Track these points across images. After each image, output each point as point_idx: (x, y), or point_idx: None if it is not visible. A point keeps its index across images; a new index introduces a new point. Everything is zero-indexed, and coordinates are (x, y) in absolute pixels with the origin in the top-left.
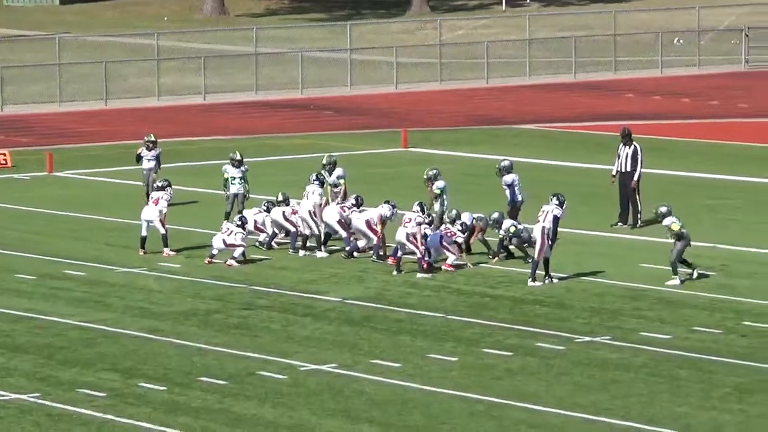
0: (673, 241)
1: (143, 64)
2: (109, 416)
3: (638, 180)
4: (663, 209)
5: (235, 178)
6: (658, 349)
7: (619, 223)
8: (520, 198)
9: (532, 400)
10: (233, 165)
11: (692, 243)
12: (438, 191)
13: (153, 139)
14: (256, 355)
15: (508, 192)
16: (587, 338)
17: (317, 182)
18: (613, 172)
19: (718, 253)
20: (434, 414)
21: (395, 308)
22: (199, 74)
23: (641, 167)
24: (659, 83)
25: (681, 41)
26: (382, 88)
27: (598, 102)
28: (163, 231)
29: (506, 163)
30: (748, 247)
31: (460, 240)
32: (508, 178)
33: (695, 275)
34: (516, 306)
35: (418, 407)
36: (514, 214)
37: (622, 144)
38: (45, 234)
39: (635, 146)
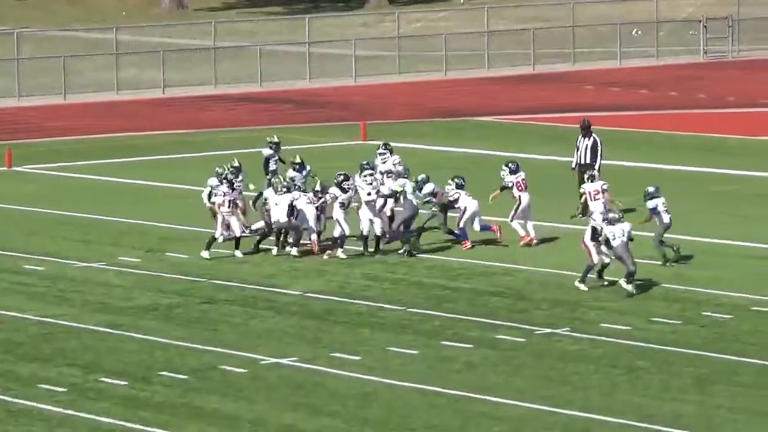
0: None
1: (102, 59)
2: (70, 411)
3: (598, 171)
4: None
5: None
6: (617, 341)
7: (579, 215)
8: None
9: (492, 392)
10: (294, 169)
11: (650, 233)
12: (400, 188)
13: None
14: (218, 350)
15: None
16: (547, 330)
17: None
18: (573, 165)
19: (677, 244)
20: (395, 407)
21: (356, 301)
22: (158, 68)
23: (601, 159)
24: (618, 74)
25: (639, 32)
26: (341, 81)
27: (557, 94)
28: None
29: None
30: (706, 238)
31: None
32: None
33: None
34: (476, 298)
35: (379, 400)
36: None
37: (581, 136)
38: (3, 229)
39: (595, 138)
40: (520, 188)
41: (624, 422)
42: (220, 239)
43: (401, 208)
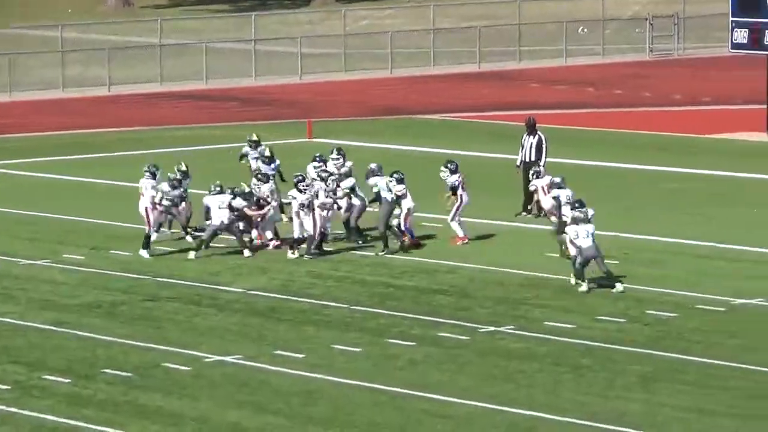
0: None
1: (48, 56)
2: (13, 409)
3: (543, 168)
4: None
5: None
6: (562, 339)
7: (523, 213)
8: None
9: (436, 390)
10: (263, 162)
11: (596, 231)
12: (346, 190)
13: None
14: (161, 347)
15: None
16: (491, 328)
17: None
18: (518, 162)
19: (620, 242)
20: (339, 404)
21: (299, 299)
22: (104, 66)
23: (546, 157)
24: (564, 72)
25: (585, 30)
26: (286, 78)
27: (502, 92)
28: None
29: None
30: (651, 236)
31: None
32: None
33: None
34: (420, 296)
35: (323, 398)
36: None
37: (526, 134)
38: None
39: (540, 136)
40: (462, 188)
41: (569, 420)
42: (154, 236)
43: (377, 209)
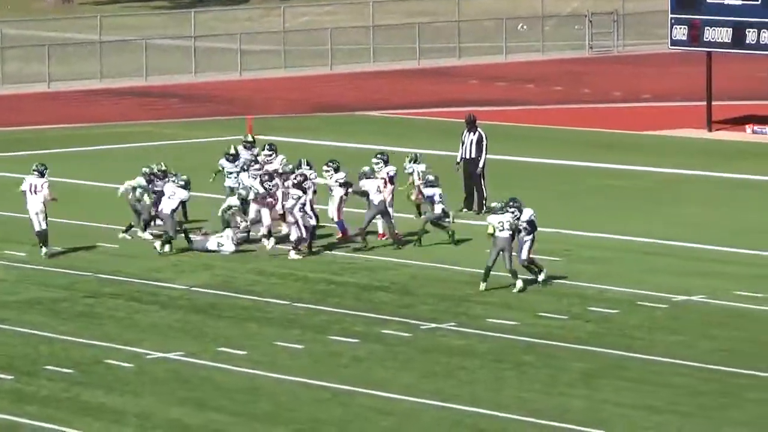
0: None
1: None
2: None
3: (483, 167)
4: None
5: (231, 172)
6: (504, 336)
7: (464, 209)
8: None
9: (379, 386)
10: (227, 159)
11: (538, 228)
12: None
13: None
14: (103, 344)
15: None
16: (433, 325)
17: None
18: (458, 159)
19: (562, 239)
20: (282, 401)
21: (241, 296)
22: (43, 62)
23: (486, 154)
24: (503, 69)
25: (525, 27)
26: (226, 75)
27: (442, 88)
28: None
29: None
30: (593, 232)
31: None
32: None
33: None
34: (362, 293)
35: (266, 395)
36: None
37: (466, 131)
38: None
39: (480, 133)
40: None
41: (511, 417)
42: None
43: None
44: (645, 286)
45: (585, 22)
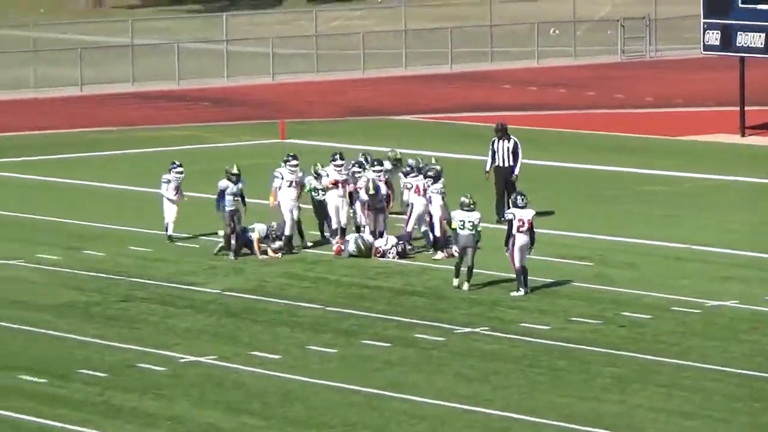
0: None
1: (19, 56)
2: None
3: (517, 174)
4: (462, 199)
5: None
6: (537, 340)
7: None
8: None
9: (412, 391)
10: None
11: (570, 233)
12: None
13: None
14: (136, 347)
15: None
16: (467, 329)
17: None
18: (486, 168)
19: (595, 244)
20: (314, 405)
21: (274, 300)
22: (76, 66)
23: (520, 160)
24: (535, 74)
25: (557, 32)
26: (258, 79)
27: (474, 93)
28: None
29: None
30: (625, 237)
31: None
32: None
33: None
34: (394, 297)
35: (299, 399)
36: None
37: (497, 139)
38: None
39: (515, 140)
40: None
41: (544, 422)
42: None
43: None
44: (678, 291)
45: (617, 26)
